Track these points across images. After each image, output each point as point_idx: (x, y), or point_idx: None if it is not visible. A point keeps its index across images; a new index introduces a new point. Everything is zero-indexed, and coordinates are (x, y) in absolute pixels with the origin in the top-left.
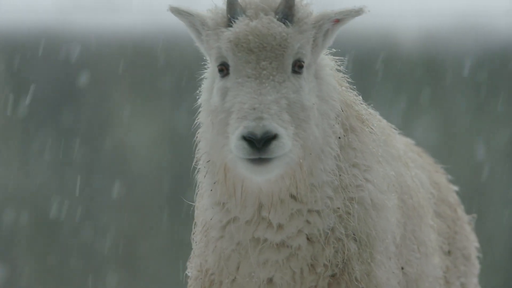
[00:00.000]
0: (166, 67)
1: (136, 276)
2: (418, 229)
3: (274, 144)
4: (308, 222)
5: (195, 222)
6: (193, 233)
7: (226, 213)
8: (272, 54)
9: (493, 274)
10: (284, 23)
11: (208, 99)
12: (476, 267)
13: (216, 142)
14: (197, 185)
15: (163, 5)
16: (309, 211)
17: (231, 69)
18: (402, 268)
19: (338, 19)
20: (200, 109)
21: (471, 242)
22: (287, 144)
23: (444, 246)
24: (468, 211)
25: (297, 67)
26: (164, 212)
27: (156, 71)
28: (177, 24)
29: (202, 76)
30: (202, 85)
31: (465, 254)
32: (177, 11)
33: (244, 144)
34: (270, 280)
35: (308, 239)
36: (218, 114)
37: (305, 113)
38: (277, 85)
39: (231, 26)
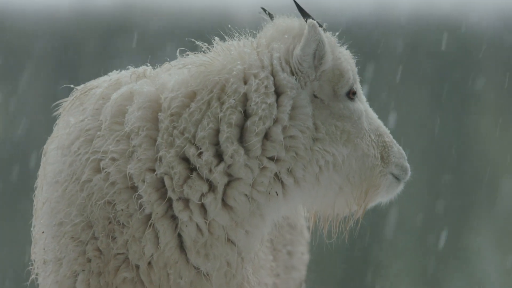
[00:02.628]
0: None
1: None
2: None
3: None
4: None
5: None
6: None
7: (228, 217)
8: None
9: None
10: None
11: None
12: (304, 236)
13: (360, 162)
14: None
15: None
16: None
17: (357, 93)
18: None
19: None
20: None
21: (297, 212)
22: None
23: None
24: None
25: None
26: None
27: None
28: None
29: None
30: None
31: (290, 224)
32: (315, 30)
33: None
34: (207, 272)
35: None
36: (365, 136)
37: None
38: None
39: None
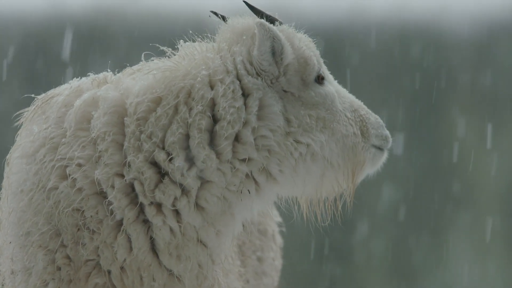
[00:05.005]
0: None
1: None
2: None
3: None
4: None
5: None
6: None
7: (201, 219)
8: None
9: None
10: None
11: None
12: (276, 242)
13: (345, 144)
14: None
15: None
16: None
17: (325, 76)
18: None
19: None
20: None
21: (269, 217)
22: None
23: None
24: None
25: None
26: None
27: None
28: None
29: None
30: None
31: (260, 229)
32: (265, 28)
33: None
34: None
35: (216, 234)
36: (343, 117)
37: None
38: None
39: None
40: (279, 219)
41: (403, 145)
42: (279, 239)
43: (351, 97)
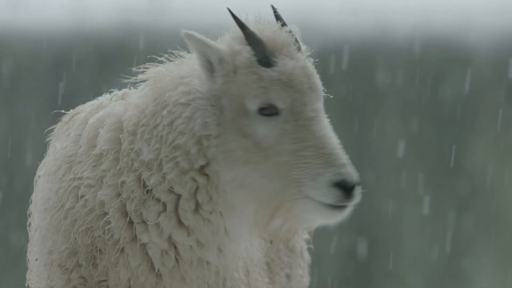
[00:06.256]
0: None
1: None
2: None
3: (357, 190)
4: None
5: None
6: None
7: (187, 236)
8: (319, 94)
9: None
10: None
11: (218, 135)
12: (304, 259)
13: (260, 183)
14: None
15: None
16: None
17: (285, 111)
18: None
19: None
20: (165, 132)
21: (297, 234)
22: None
23: (263, 234)
24: None
25: None
26: None
27: None
28: None
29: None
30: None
31: (289, 246)
32: (194, 40)
33: (337, 192)
34: None
35: (232, 257)
36: (272, 156)
37: None
38: (329, 126)
39: (270, 65)
40: (307, 236)
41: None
42: (307, 256)
43: (318, 140)
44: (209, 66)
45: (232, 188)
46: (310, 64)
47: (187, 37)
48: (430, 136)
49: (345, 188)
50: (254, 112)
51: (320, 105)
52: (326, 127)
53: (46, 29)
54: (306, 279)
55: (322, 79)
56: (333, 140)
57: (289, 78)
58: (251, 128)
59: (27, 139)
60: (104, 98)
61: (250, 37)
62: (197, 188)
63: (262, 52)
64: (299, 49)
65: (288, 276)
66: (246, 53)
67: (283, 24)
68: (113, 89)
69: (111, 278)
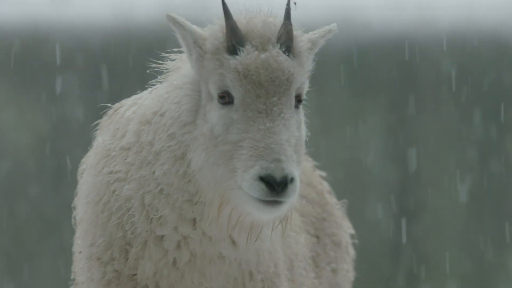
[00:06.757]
0: None
1: None
2: None
3: (291, 188)
4: (265, 241)
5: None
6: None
7: (193, 229)
8: (281, 89)
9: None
10: (288, 56)
11: (189, 119)
12: (349, 253)
13: (211, 172)
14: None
15: None
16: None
17: (237, 100)
18: None
19: None
20: (164, 121)
21: (342, 229)
22: (299, 186)
23: (309, 228)
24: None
25: (297, 101)
26: None
27: None
28: None
29: (159, 82)
30: (166, 95)
31: (334, 241)
32: (173, 21)
33: (262, 186)
34: None
35: (256, 251)
36: (219, 145)
37: (303, 149)
38: (287, 122)
39: (235, 54)
40: (352, 231)
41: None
42: (352, 251)
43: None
44: (189, 51)
45: (200, 177)
46: (280, 59)
47: (168, 20)
48: (479, 129)
49: (271, 183)
50: (215, 98)
51: (277, 100)
52: (275, 122)
53: (90, 24)
54: (351, 274)
55: (366, 74)
56: (277, 136)
57: (245, 68)
58: (210, 114)
59: (74, 132)
60: (144, 92)
61: (228, 24)
62: (185, 177)
63: (231, 40)
64: (284, 43)
65: (334, 271)
66: (214, 39)
67: (287, 19)
68: (155, 83)
69: (139, 271)
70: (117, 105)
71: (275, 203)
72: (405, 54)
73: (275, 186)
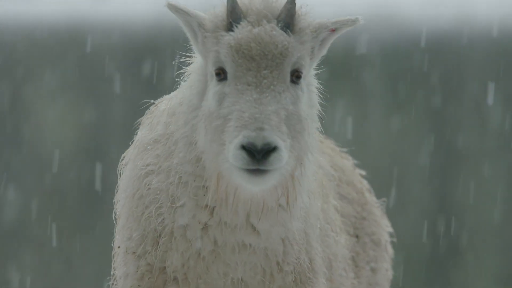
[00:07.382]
0: None
1: None
2: (326, 208)
3: (273, 156)
4: (287, 227)
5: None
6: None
7: (211, 216)
8: (273, 63)
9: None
10: (285, 32)
11: (198, 102)
12: (388, 252)
13: (209, 149)
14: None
15: None
16: (291, 217)
17: (229, 75)
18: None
19: (333, 29)
20: (182, 109)
21: (381, 227)
22: (284, 156)
23: (349, 229)
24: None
25: (295, 77)
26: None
27: None
28: None
29: (183, 72)
30: (186, 83)
31: (374, 240)
32: (175, 9)
33: (243, 154)
34: (241, 279)
35: (282, 240)
36: (213, 120)
37: (301, 125)
38: (277, 95)
39: (231, 31)
40: (390, 229)
41: None
42: (390, 250)
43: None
44: (194, 35)
45: (205, 158)
46: (274, 33)
47: (169, 8)
48: None
49: (252, 151)
50: (213, 76)
51: (268, 73)
52: (264, 94)
53: (128, 21)
54: (390, 273)
55: (403, 70)
56: (263, 106)
57: (237, 43)
58: (209, 93)
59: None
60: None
61: (229, 2)
62: (197, 161)
63: (228, 17)
64: (282, 20)
65: (373, 270)
66: (214, 17)
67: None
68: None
69: (168, 264)
70: (158, 100)
71: (258, 171)
72: (442, 51)
73: (255, 154)
